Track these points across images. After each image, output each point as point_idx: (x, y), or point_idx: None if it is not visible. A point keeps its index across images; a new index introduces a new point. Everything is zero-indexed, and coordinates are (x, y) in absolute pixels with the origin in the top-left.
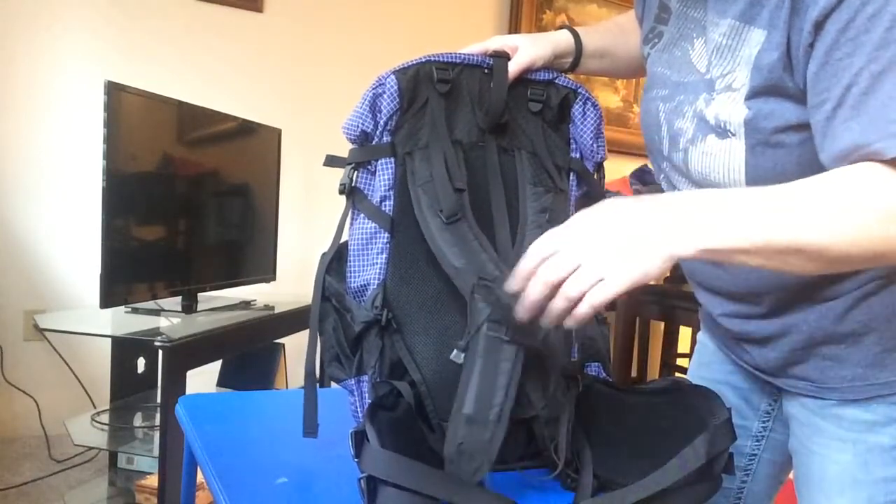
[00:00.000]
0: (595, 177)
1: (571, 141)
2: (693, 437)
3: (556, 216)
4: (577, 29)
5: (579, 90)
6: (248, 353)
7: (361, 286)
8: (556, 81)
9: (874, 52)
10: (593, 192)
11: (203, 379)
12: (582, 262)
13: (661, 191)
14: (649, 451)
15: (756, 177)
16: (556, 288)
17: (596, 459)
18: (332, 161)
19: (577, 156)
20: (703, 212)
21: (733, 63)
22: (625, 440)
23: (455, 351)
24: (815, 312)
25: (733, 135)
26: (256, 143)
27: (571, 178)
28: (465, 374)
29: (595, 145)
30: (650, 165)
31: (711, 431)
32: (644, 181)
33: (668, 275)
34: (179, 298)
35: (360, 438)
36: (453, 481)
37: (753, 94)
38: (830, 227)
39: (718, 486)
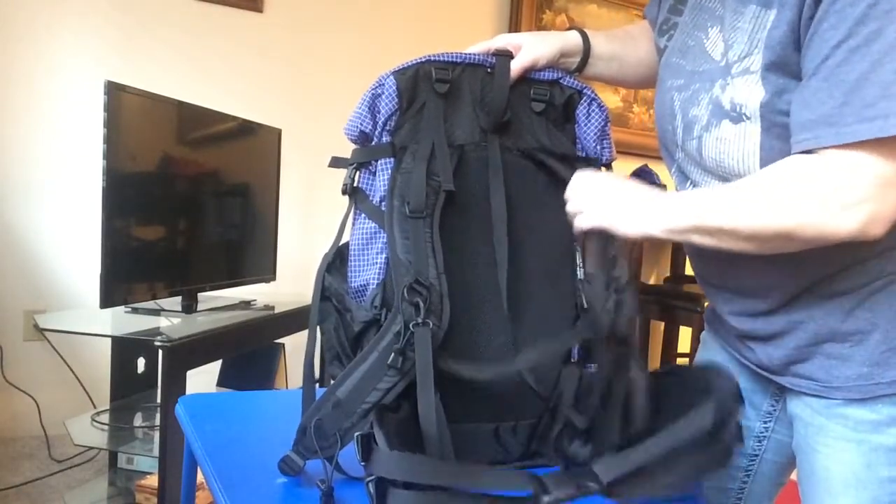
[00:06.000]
0: None
1: (577, 141)
2: (700, 404)
3: None
4: (587, 31)
5: (585, 91)
6: (248, 353)
7: (361, 286)
8: (562, 82)
9: (854, 27)
10: None
11: (203, 379)
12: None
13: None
14: (657, 427)
15: (770, 161)
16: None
17: (596, 439)
18: (336, 162)
19: (582, 156)
20: (658, 203)
21: (750, 46)
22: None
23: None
24: (821, 309)
25: (748, 118)
26: (256, 143)
27: None
28: (357, 360)
29: (599, 146)
30: (650, 165)
31: (718, 393)
32: (643, 181)
33: (669, 275)
34: (179, 298)
35: (366, 441)
36: (465, 470)
37: (766, 73)
38: (752, 214)
39: (729, 455)
